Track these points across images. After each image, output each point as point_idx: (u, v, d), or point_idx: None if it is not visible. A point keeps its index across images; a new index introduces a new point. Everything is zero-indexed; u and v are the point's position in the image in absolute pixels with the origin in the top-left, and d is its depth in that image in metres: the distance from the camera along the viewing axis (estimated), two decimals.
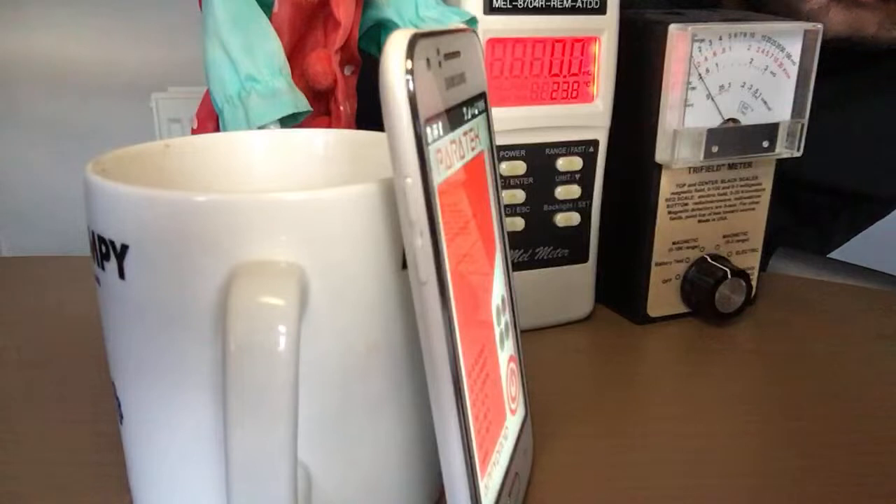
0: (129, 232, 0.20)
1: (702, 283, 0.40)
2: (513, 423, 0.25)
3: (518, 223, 0.38)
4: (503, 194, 0.37)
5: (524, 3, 0.34)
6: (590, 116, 0.38)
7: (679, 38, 0.36)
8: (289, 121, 0.33)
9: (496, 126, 0.26)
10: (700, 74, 0.37)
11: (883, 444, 0.30)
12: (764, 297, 0.44)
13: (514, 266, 0.38)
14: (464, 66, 0.22)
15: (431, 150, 0.19)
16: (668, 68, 0.36)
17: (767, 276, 0.46)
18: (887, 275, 0.72)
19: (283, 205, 0.20)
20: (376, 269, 0.21)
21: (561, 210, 0.39)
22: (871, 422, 0.32)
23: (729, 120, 0.38)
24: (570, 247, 0.40)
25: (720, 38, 0.36)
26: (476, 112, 0.23)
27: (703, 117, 0.37)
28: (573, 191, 0.39)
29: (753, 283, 0.42)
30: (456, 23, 0.34)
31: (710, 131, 0.37)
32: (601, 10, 0.36)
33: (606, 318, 0.42)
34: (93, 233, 0.21)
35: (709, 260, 0.40)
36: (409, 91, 0.18)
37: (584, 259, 0.40)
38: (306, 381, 0.18)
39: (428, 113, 0.19)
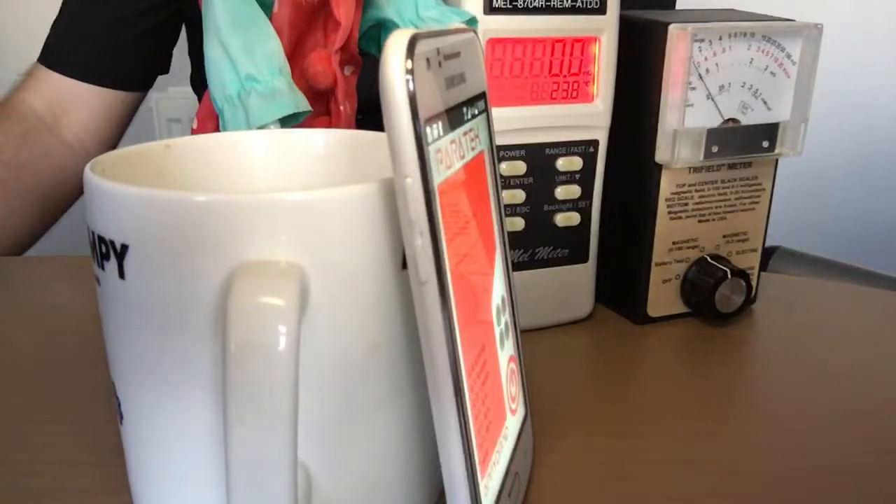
0: (129, 232, 0.20)
1: (702, 283, 0.40)
2: (513, 423, 0.25)
3: (518, 223, 0.38)
4: (503, 194, 0.37)
5: (524, 3, 0.34)
6: (590, 116, 0.38)
7: (679, 38, 0.36)
8: (289, 121, 0.33)
9: (496, 126, 0.26)
10: (700, 74, 0.37)
11: (883, 444, 0.30)
12: (764, 297, 0.44)
13: (514, 266, 0.38)
14: (464, 66, 0.22)
15: (431, 150, 0.19)
16: (668, 68, 0.36)
17: (767, 276, 0.46)
18: (887, 276, 0.72)
19: (283, 205, 0.20)
20: (376, 269, 0.21)
21: (561, 210, 0.39)
22: (871, 422, 0.32)
23: (729, 120, 0.38)
24: (570, 247, 0.39)
25: (720, 38, 0.36)
26: (476, 112, 0.23)
27: (703, 117, 0.37)
28: (573, 191, 0.39)
29: (753, 283, 0.42)
30: (456, 23, 0.34)
31: (710, 131, 0.37)
32: (601, 10, 0.36)
33: (606, 318, 0.42)
34: (93, 233, 0.21)
35: (709, 260, 0.40)
36: (409, 91, 0.18)
37: (584, 259, 0.40)
38: (306, 381, 0.18)
39: (428, 113, 0.19)
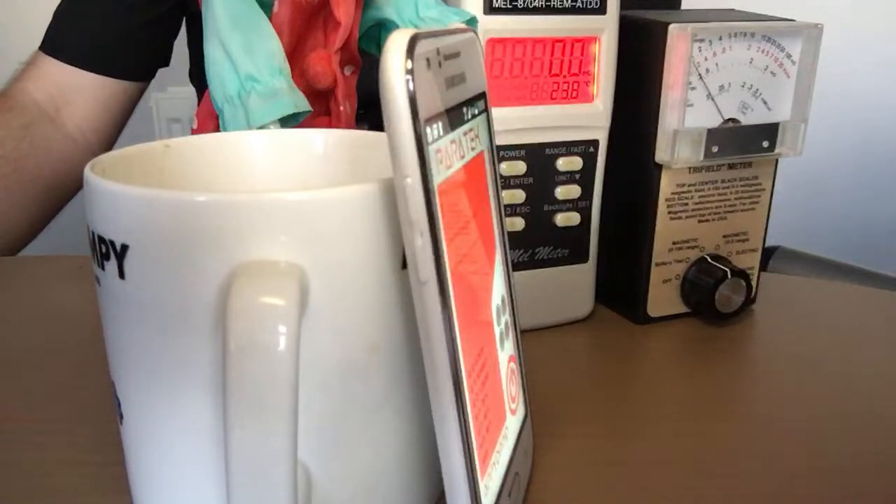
0: (129, 232, 0.20)
1: (702, 283, 0.40)
2: (513, 423, 0.25)
3: (518, 223, 0.38)
4: (503, 194, 0.37)
5: (524, 3, 0.34)
6: (590, 116, 0.38)
7: (679, 38, 0.36)
8: (289, 121, 0.33)
9: (496, 126, 0.26)
10: (700, 74, 0.37)
11: (884, 444, 0.30)
12: (764, 297, 0.44)
13: (514, 266, 0.38)
14: (464, 66, 0.22)
15: (431, 150, 0.19)
16: (668, 68, 0.36)
17: (767, 276, 0.46)
18: (886, 276, 0.72)
19: (283, 205, 0.20)
20: (376, 269, 0.21)
21: (561, 210, 0.39)
22: (871, 422, 0.32)
23: (729, 120, 0.38)
24: (570, 247, 0.39)
25: (720, 38, 0.36)
26: (476, 112, 0.23)
27: (703, 117, 0.37)
28: (573, 191, 0.39)
29: (753, 283, 0.42)
30: (456, 23, 0.34)
31: (710, 131, 0.37)
32: (601, 10, 0.36)
33: (606, 318, 0.42)
34: (93, 233, 0.21)
35: (709, 260, 0.40)
36: (409, 91, 0.18)
37: (584, 259, 0.40)
38: (306, 381, 0.18)
39: (428, 113, 0.19)
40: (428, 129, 0.19)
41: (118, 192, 0.20)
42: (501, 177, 0.37)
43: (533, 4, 0.35)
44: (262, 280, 0.19)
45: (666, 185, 0.38)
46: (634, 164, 0.39)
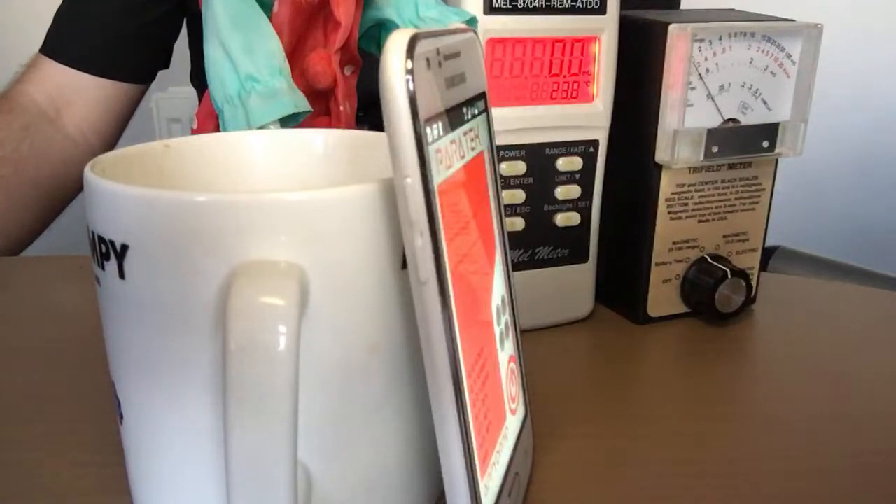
0: (129, 232, 0.20)
1: (702, 283, 0.40)
2: (513, 423, 0.25)
3: (518, 223, 0.38)
4: (503, 194, 0.37)
5: (524, 3, 0.34)
6: (590, 116, 0.38)
7: (679, 37, 0.36)
8: (289, 121, 0.33)
9: (496, 126, 0.26)
10: (700, 74, 0.37)
11: (884, 444, 0.30)
12: (764, 297, 0.44)
13: (514, 266, 0.38)
14: (464, 66, 0.22)
15: (431, 150, 0.19)
16: (668, 68, 0.36)
17: (767, 276, 0.46)
18: (887, 276, 0.72)
19: (283, 205, 0.20)
20: (376, 269, 0.21)
21: (561, 210, 0.39)
22: (871, 422, 0.32)
23: (729, 120, 0.38)
24: (570, 247, 0.39)
25: (720, 38, 0.36)
26: (476, 112, 0.23)
27: (703, 117, 0.37)
28: (573, 191, 0.39)
29: (753, 283, 0.42)
30: (456, 23, 0.34)
31: (710, 131, 0.37)
32: (601, 10, 0.36)
33: (606, 318, 0.42)
34: (93, 233, 0.21)
35: (709, 260, 0.40)
36: (409, 91, 0.18)
37: (584, 259, 0.40)
38: (306, 381, 0.18)
39: (428, 113, 0.19)
40: (428, 129, 0.19)
41: (118, 192, 0.20)
42: (501, 177, 0.37)
43: (533, 4, 0.35)
44: (262, 280, 0.19)
45: (666, 185, 0.38)
46: (634, 164, 0.39)
